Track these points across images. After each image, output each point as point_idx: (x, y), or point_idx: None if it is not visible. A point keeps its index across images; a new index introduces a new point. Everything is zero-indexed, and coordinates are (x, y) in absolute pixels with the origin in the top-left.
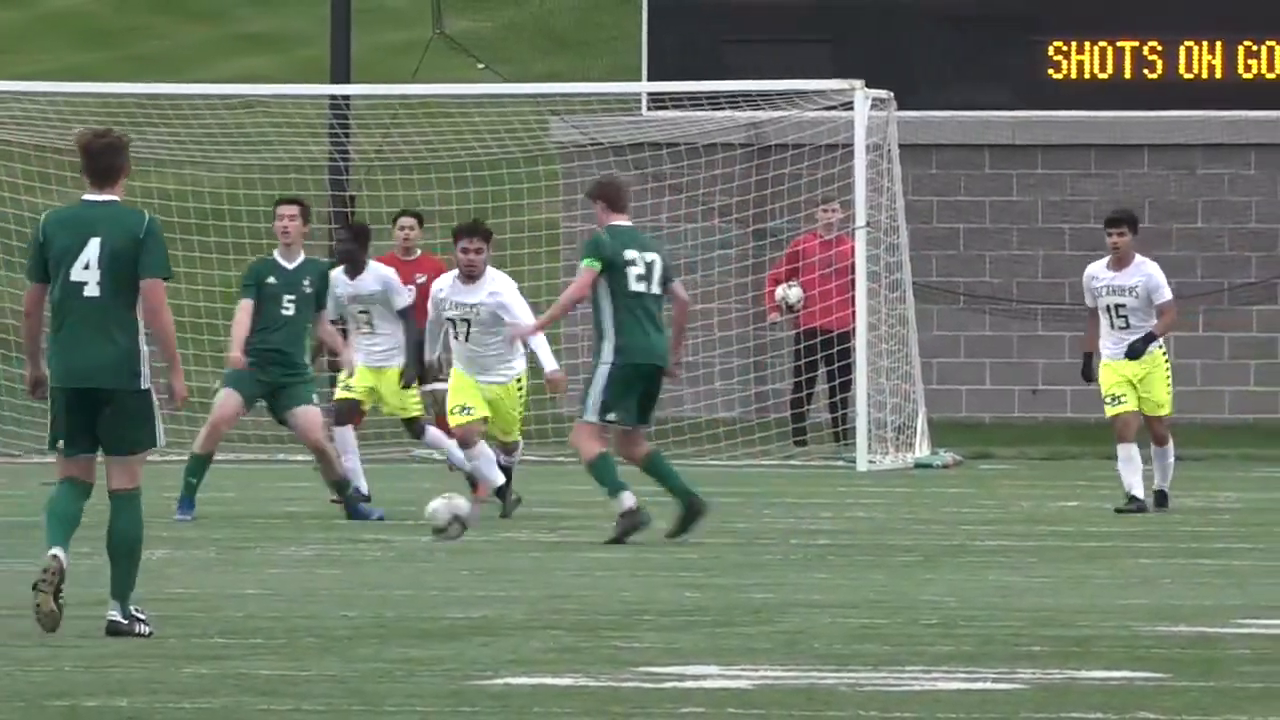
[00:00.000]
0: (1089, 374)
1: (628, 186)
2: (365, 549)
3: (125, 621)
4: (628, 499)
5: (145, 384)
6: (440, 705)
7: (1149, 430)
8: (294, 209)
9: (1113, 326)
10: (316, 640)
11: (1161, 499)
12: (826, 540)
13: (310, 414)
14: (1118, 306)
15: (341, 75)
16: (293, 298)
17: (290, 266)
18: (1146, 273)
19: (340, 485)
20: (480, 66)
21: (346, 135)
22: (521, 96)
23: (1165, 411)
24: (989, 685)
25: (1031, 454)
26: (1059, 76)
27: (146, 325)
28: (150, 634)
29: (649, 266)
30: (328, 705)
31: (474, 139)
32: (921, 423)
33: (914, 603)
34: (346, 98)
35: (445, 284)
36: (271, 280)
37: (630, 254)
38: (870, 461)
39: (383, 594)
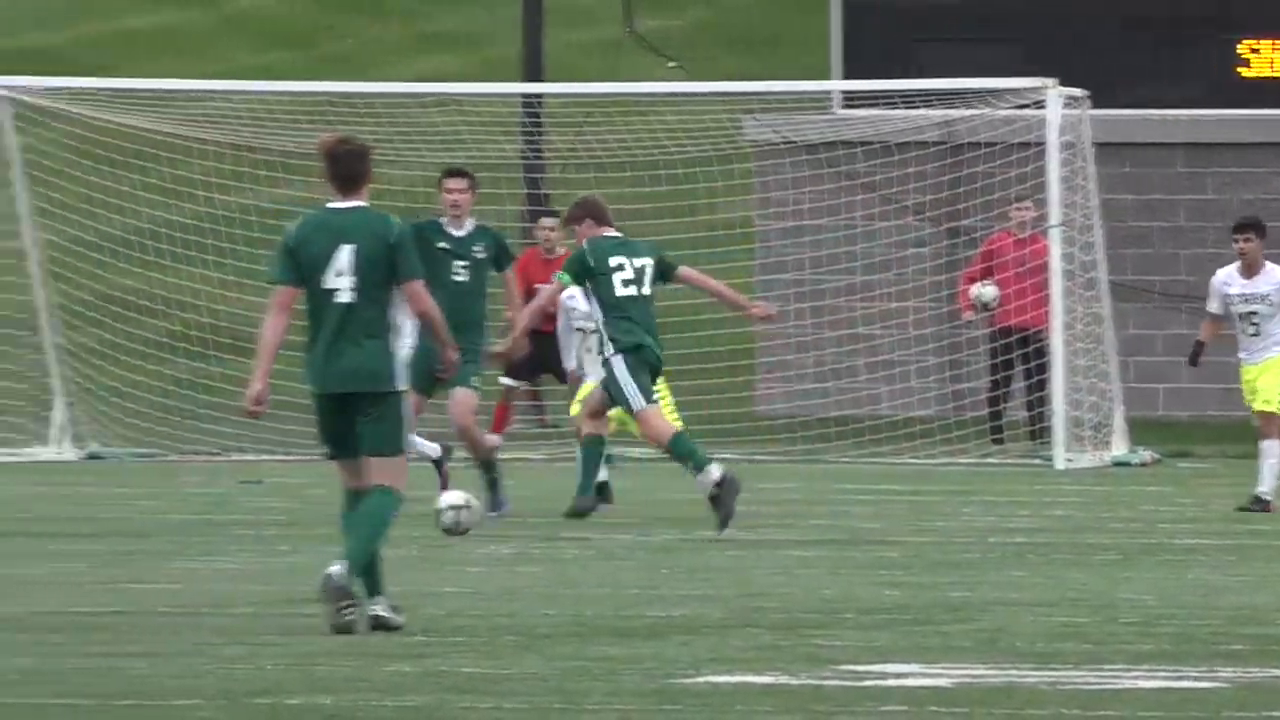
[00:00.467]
0: (1195, 361)
1: (604, 201)
2: (565, 547)
3: (336, 579)
4: (715, 470)
5: (401, 385)
6: (641, 704)
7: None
8: (463, 182)
9: (1244, 333)
10: (517, 638)
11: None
12: (1024, 538)
13: (464, 396)
14: (1250, 314)
15: (534, 74)
16: (465, 264)
17: (460, 234)
18: (1277, 279)
19: (488, 465)
20: (671, 65)
21: (540, 134)
22: (713, 95)
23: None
24: (1190, 684)
25: (1230, 452)
26: (1249, 74)
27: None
28: (349, 624)
29: (639, 271)
30: (529, 703)
31: (667, 137)
32: (1119, 421)
33: (1113, 601)
34: (539, 96)
35: (578, 291)
36: (444, 245)
37: (616, 260)
38: (1068, 460)
39: (582, 592)
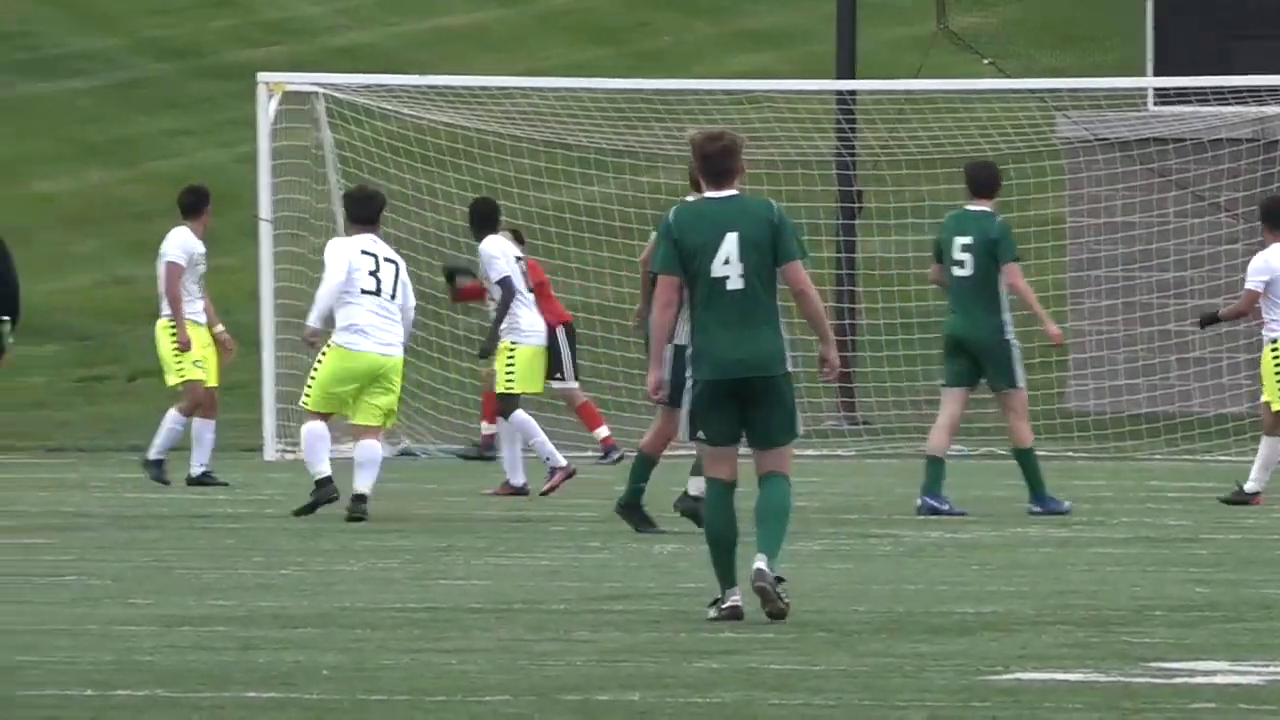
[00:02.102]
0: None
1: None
2: (875, 544)
3: (769, 574)
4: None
5: (790, 366)
6: (950, 700)
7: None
8: None
9: None
10: (827, 635)
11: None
12: None
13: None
14: None
15: (847, 71)
16: None
17: None
18: None
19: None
20: (985, 62)
21: (853, 130)
22: (1026, 92)
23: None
24: None
25: None
26: None
27: (796, 305)
28: (784, 609)
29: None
30: (837, 700)
31: (979, 134)
32: None
33: None
34: (853, 93)
35: None
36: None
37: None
38: None
39: (893, 588)
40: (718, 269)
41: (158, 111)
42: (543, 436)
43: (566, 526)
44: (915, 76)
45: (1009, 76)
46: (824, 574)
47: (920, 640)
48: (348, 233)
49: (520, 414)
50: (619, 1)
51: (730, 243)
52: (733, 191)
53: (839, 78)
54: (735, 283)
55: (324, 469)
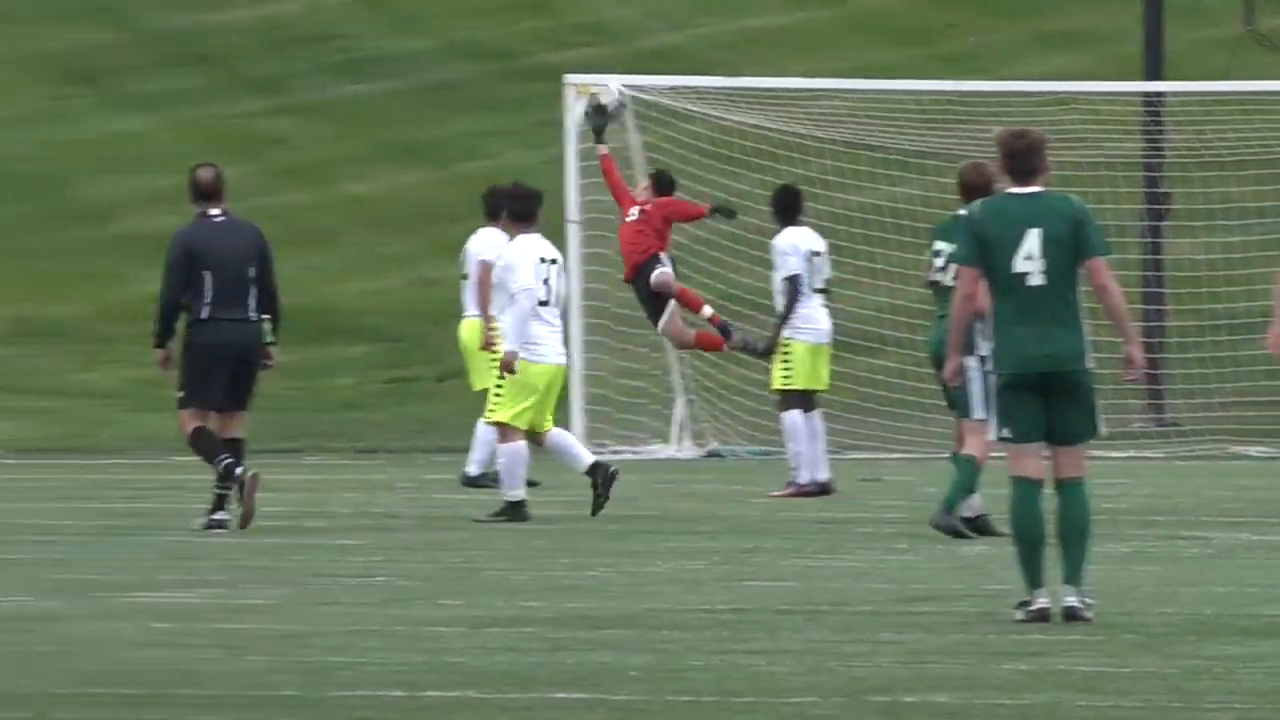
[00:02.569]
0: None
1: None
2: (1183, 546)
3: (1080, 606)
4: None
5: (1091, 363)
6: (1260, 703)
7: None
8: None
9: None
10: (1135, 637)
11: None
12: None
13: None
14: None
15: (1154, 72)
16: None
17: None
18: None
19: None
20: None
21: (1160, 132)
22: None
23: None
24: None
25: None
26: None
27: (1098, 302)
28: (1090, 619)
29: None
30: (1146, 702)
31: None
32: None
33: None
34: (1160, 94)
35: None
36: None
37: None
38: None
39: (1202, 590)
40: (1019, 264)
41: (468, 113)
42: (805, 447)
43: (873, 528)
44: (1223, 78)
45: None
46: (1132, 576)
47: (1229, 642)
48: (507, 231)
49: (794, 416)
50: (926, 3)
51: (1033, 239)
52: (1037, 189)
53: (1146, 79)
54: (1036, 279)
55: (521, 492)
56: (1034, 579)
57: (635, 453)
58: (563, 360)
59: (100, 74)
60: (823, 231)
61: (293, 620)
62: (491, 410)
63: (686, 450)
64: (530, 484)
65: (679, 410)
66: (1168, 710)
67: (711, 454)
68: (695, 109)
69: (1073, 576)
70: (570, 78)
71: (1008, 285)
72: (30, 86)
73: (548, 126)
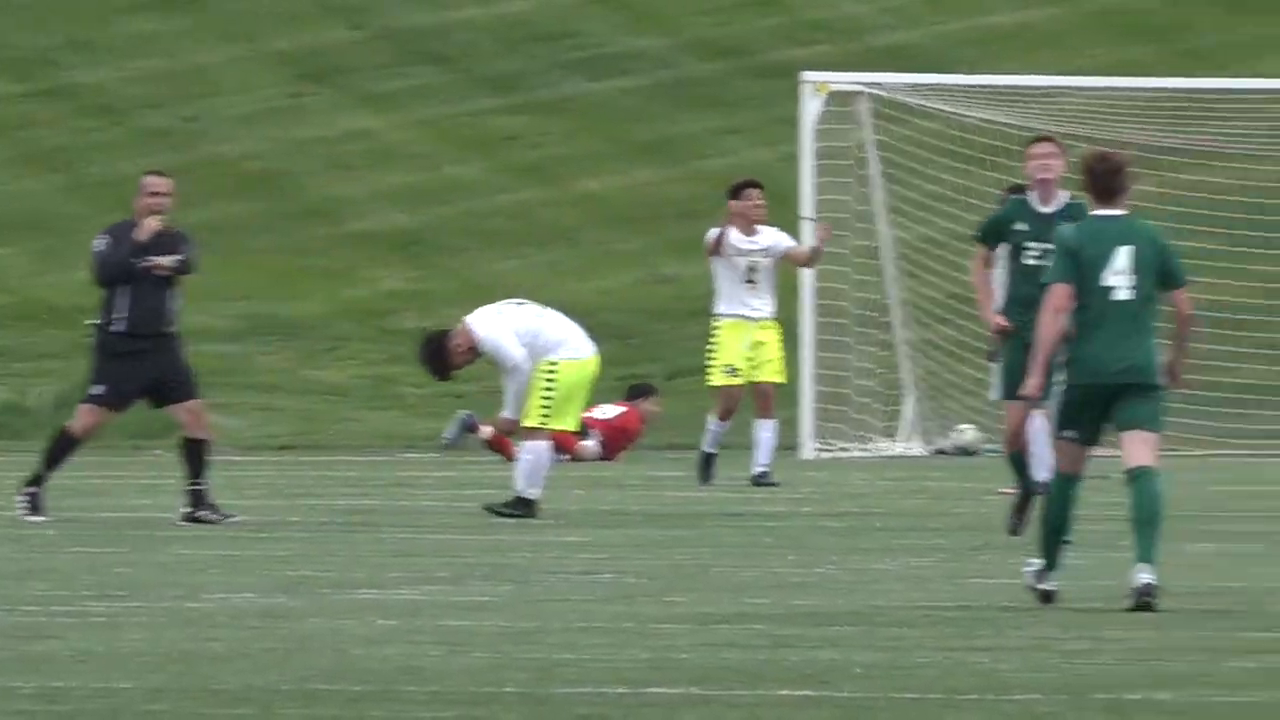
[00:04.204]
0: None
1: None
2: None
3: (1154, 586)
4: None
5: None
6: None
7: None
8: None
9: None
10: None
11: None
12: None
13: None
14: None
15: None
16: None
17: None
18: None
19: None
20: None
21: None
22: None
23: None
24: None
25: None
26: None
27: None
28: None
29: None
30: None
31: None
32: None
33: None
34: None
35: None
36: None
37: None
38: None
39: None
40: (1108, 279)
41: (704, 110)
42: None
43: (1097, 525)
44: None
45: None
46: None
47: None
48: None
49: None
50: (1163, 0)
51: (1123, 256)
52: (1121, 211)
53: None
54: (1124, 294)
55: (538, 491)
56: (1052, 562)
57: (865, 450)
58: (596, 351)
59: (335, 72)
60: None
61: (518, 617)
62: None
63: (916, 447)
64: (770, 484)
65: (909, 408)
66: None
67: (940, 452)
68: (933, 106)
69: (1146, 554)
70: (806, 75)
71: (1097, 299)
72: (265, 84)
73: (783, 124)
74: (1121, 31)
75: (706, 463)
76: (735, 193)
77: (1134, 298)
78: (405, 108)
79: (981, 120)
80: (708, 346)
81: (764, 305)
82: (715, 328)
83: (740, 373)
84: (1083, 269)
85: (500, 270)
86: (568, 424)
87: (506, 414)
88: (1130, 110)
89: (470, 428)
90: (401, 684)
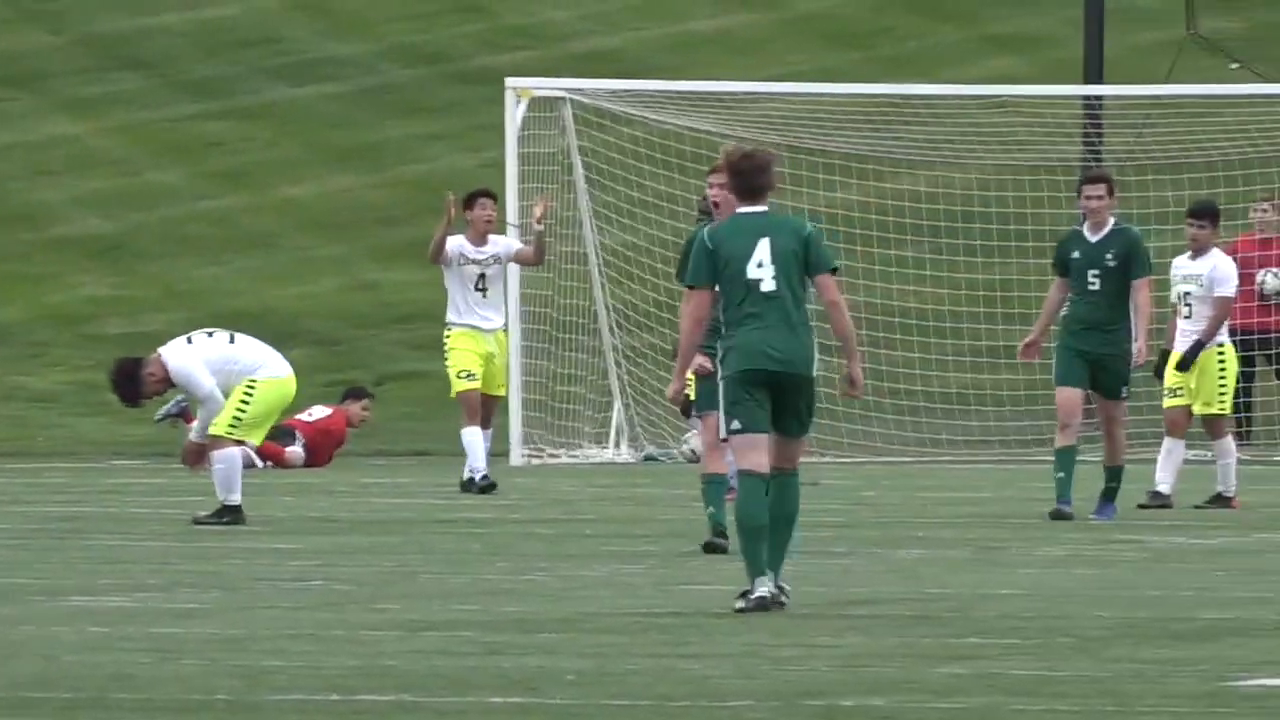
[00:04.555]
0: None
1: None
2: (1120, 549)
3: (775, 592)
4: None
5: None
6: (1194, 706)
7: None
8: (1100, 188)
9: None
10: (1070, 640)
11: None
12: None
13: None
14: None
15: (1095, 75)
16: (1097, 272)
17: (1093, 239)
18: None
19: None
20: (1234, 66)
21: (1099, 136)
22: (1276, 96)
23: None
24: None
25: None
26: None
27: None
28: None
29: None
30: (1081, 706)
31: (1225, 139)
32: None
33: None
34: (1099, 98)
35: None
36: (1076, 254)
37: None
38: None
39: (1136, 594)
40: (752, 271)
41: (406, 117)
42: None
43: (810, 531)
44: (1162, 81)
45: (1260, 80)
46: (1068, 579)
47: (1164, 646)
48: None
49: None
50: (863, 6)
51: (763, 248)
52: (763, 208)
53: (1086, 82)
54: (768, 285)
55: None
56: (755, 567)
57: (573, 457)
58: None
59: (34, 77)
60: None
61: (227, 624)
62: None
63: (624, 454)
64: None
65: (616, 415)
66: (1102, 714)
67: (649, 458)
68: (635, 113)
69: (775, 563)
70: (511, 80)
71: (743, 292)
72: None
73: (486, 130)
74: (822, 38)
75: (478, 483)
76: (468, 202)
77: (776, 289)
78: (106, 113)
79: (683, 127)
80: (445, 357)
81: (494, 315)
82: (448, 336)
83: (477, 376)
84: (727, 265)
85: (202, 276)
86: (254, 438)
87: (193, 437)
88: (832, 117)
89: (184, 415)
90: (113, 691)
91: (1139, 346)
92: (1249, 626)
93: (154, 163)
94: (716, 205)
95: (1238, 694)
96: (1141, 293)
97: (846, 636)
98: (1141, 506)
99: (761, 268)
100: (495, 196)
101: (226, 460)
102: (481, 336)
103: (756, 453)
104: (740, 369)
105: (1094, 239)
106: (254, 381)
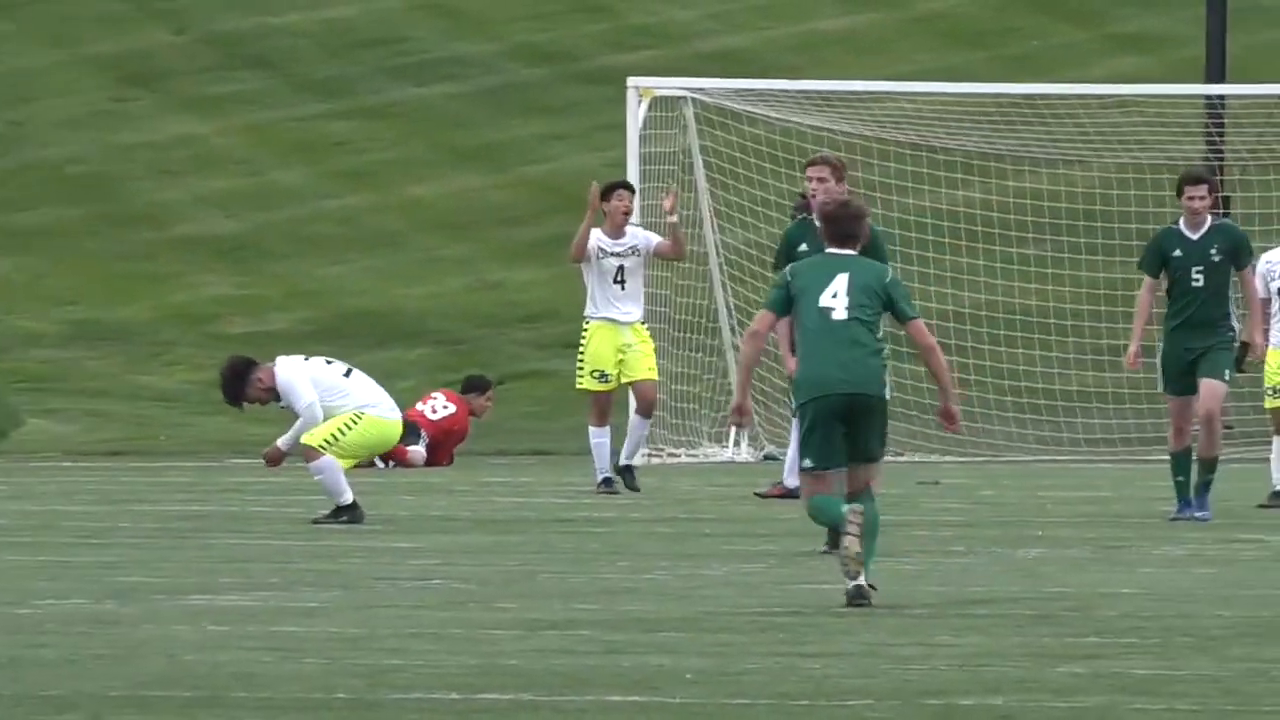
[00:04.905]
0: None
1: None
2: (1241, 548)
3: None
4: None
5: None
6: None
7: None
8: (1203, 188)
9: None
10: (1190, 639)
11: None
12: None
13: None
14: None
15: (1217, 75)
16: (1201, 268)
17: (1195, 236)
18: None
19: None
20: None
21: (1221, 136)
22: None
23: None
24: None
25: None
26: None
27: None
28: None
29: None
30: (1202, 705)
31: None
32: None
33: None
34: (1222, 98)
35: None
36: (1177, 253)
37: None
38: None
39: (1258, 593)
40: (825, 300)
41: (529, 116)
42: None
43: (930, 530)
44: None
45: None
46: (1189, 579)
47: None
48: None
49: None
50: (987, 6)
51: (841, 281)
52: (852, 252)
53: (1208, 81)
54: (840, 314)
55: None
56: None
57: (693, 455)
58: None
59: (159, 76)
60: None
61: (348, 623)
62: None
63: (744, 454)
64: (634, 488)
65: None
66: (1223, 713)
67: (769, 457)
68: (758, 112)
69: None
70: (633, 80)
71: (816, 318)
72: (90, 89)
73: (609, 130)
74: (946, 37)
75: (608, 485)
76: (606, 194)
77: (849, 318)
78: (230, 113)
79: (805, 125)
80: (578, 351)
81: (633, 308)
82: (585, 329)
83: (610, 378)
84: (803, 295)
85: (326, 276)
86: (343, 464)
87: (282, 444)
88: (955, 115)
89: None
90: (233, 690)
91: (1258, 341)
92: None
93: (278, 162)
94: (814, 195)
95: None
96: (1252, 283)
97: (966, 635)
98: (1261, 506)
99: (836, 298)
100: (633, 189)
101: (323, 469)
102: (619, 329)
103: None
104: (810, 397)
105: (1195, 236)
106: (362, 414)
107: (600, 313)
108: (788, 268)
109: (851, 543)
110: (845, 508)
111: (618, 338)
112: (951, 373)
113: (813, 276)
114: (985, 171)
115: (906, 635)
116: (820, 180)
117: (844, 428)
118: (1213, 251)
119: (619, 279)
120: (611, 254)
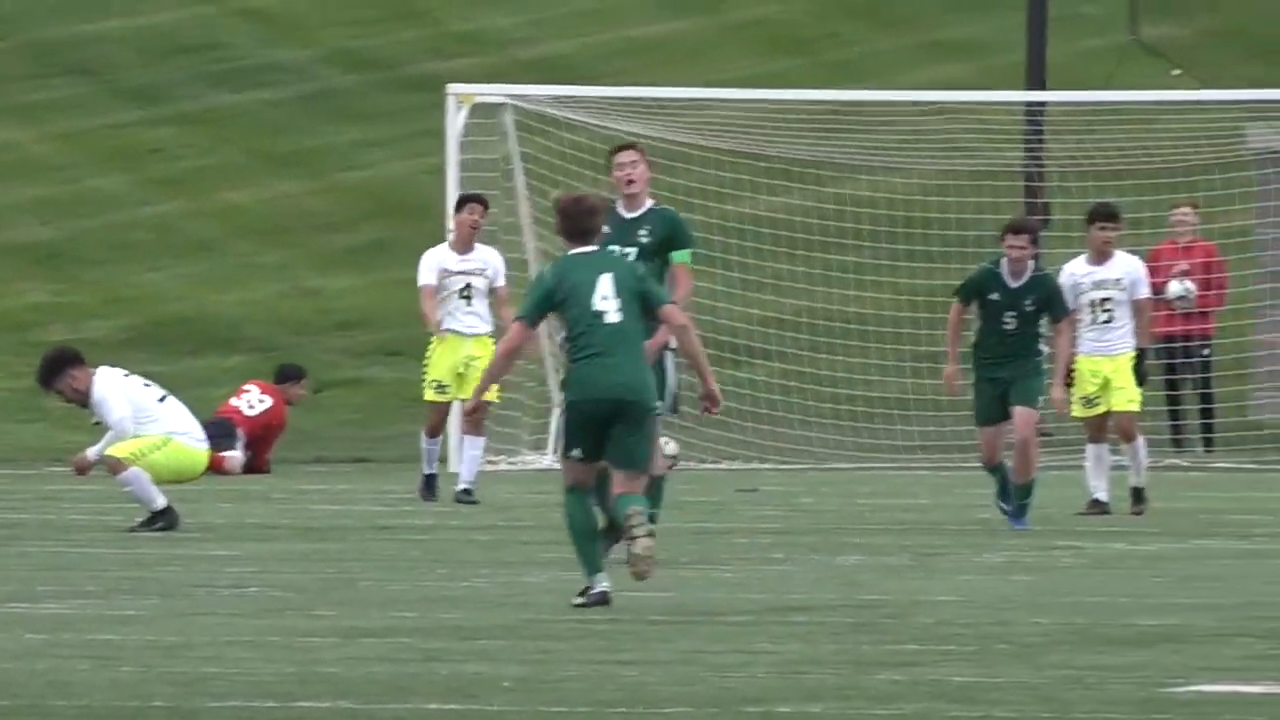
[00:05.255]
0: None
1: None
2: (1059, 555)
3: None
4: None
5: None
6: (1130, 712)
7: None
8: (1024, 238)
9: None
10: (1008, 647)
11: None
12: None
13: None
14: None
15: (1037, 82)
16: (1014, 314)
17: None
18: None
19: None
20: (1175, 73)
21: (1041, 142)
22: (1218, 104)
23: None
24: None
25: None
26: None
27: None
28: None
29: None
30: (1018, 712)
31: (1169, 145)
32: None
33: None
34: (1042, 104)
35: None
36: (995, 296)
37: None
38: None
39: (1074, 600)
40: (597, 304)
41: (346, 123)
42: None
43: (749, 538)
44: (1104, 87)
45: (1200, 87)
46: (1006, 586)
47: (1101, 652)
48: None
49: None
50: (809, 12)
51: (606, 283)
52: (593, 248)
53: (1028, 89)
54: (613, 317)
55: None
56: (591, 565)
57: (512, 463)
58: None
59: None
60: (704, 242)
61: (165, 631)
62: None
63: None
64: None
65: (555, 421)
66: None
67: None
68: (578, 119)
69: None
70: (453, 87)
71: (586, 323)
72: None
73: (427, 136)
74: (767, 43)
75: (428, 483)
76: (458, 206)
77: (621, 320)
78: (46, 120)
79: (625, 132)
80: (423, 361)
81: (478, 322)
82: (430, 343)
83: (449, 390)
84: (571, 298)
85: (143, 282)
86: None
87: (89, 451)
88: (776, 122)
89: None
90: (50, 699)
91: (1057, 396)
92: (1185, 633)
93: (95, 169)
94: (631, 182)
95: (1174, 700)
96: (1063, 335)
97: (785, 643)
98: (1079, 514)
99: (606, 300)
100: (485, 203)
101: (130, 480)
102: (463, 342)
103: (583, 475)
104: (577, 400)
105: (1014, 285)
106: (171, 440)
107: (445, 325)
108: (546, 270)
109: (647, 545)
110: (625, 510)
111: (461, 350)
112: (707, 363)
113: (578, 279)
114: (806, 178)
115: (725, 643)
116: (633, 166)
117: (607, 431)
118: (1027, 303)
119: (465, 294)
120: (456, 272)
